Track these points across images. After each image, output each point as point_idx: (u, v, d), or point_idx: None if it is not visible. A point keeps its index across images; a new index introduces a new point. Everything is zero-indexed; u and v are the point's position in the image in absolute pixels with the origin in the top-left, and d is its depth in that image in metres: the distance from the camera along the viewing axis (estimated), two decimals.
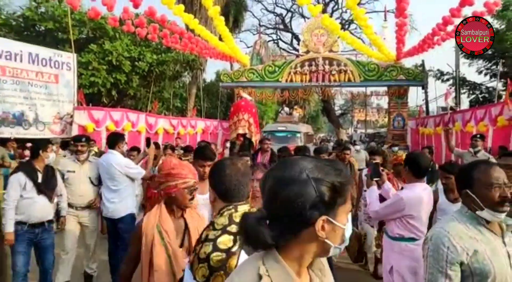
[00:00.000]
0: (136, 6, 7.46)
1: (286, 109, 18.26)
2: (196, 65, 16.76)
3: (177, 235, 2.21)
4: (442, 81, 20.12)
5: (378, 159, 5.12)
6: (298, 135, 14.06)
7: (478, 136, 7.19)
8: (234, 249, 1.49)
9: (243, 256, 1.44)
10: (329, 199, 1.00)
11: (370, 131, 35.60)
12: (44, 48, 11.62)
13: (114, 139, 5.33)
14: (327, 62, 19.18)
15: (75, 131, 11.43)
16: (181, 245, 2.23)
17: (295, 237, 1.03)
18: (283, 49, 30.89)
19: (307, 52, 19.40)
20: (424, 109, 19.22)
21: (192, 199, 2.26)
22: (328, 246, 1.04)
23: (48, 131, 11.52)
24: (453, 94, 16.74)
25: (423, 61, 17.35)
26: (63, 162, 5.28)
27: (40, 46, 11.66)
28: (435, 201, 3.77)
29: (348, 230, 1.07)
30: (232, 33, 27.58)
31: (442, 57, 21.33)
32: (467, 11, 7.30)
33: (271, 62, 19.98)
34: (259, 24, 29.36)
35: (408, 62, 18.78)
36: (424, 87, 18.10)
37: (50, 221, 4.49)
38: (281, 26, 30.87)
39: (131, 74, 13.62)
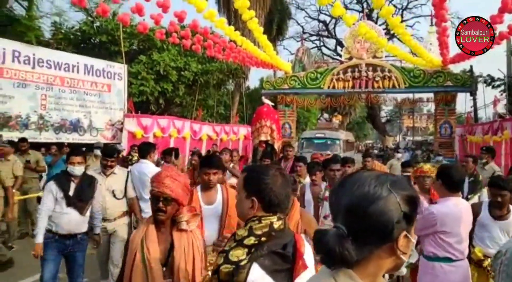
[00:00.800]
0: (181, 20, 7.93)
1: (326, 115, 18.10)
2: (239, 73, 17.24)
3: (161, 252, 2.07)
4: (493, 87, 19.24)
5: (410, 172, 4.78)
6: (337, 142, 13.90)
7: (484, 148, 7.31)
8: (243, 263, 1.42)
9: (255, 270, 1.41)
10: (410, 213, 1.00)
11: (418, 138, 34.50)
12: (98, 59, 12.53)
13: (146, 149, 5.27)
14: (370, 68, 18.96)
15: (125, 137, 12.20)
16: (165, 264, 2.09)
17: (372, 254, 1.01)
18: (327, 56, 30.84)
19: (350, 58, 19.32)
20: (473, 116, 18.46)
21: (158, 210, 2.07)
22: (402, 261, 1.02)
23: (100, 137, 12.36)
24: (504, 101, 15.98)
25: (471, 66, 16.73)
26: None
27: (95, 58, 12.60)
28: (476, 215, 3.45)
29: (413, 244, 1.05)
30: (276, 40, 27.97)
31: (493, 62, 20.39)
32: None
33: (313, 69, 20.09)
34: (303, 31, 29.52)
35: (456, 68, 18.09)
36: (472, 93, 17.40)
37: (84, 233, 4.23)
38: (325, 33, 30.84)
39: (177, 83, 14.29)
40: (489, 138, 12.43)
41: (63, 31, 13.54)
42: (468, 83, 16.80)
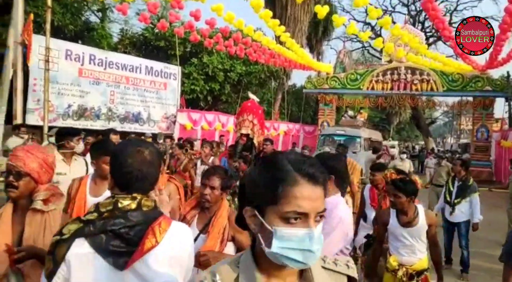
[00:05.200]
0: (224, 34, 9.62)
1: (350, 112, 18.63)
2: (280, 74, 18.73)
3: (14, 234, 1.86)
4: None
5: (377, 176, 4.13)
6: (358, 140, 13.61)
7: None
8: (65, 236, 1.32)
9: (79, 246, 1.31)
10: None
11: (464, 141, 34.05)
12: (157, 62, 14.64)
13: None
14: (409, 71, 19.66)
15: (177, 129, 14.24)
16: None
17: None
18: (374, 56, 31.27)
19: (390, 61, 20.09)
20: (507, 121, 18.62)
21: (8, 185, 1.86)
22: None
23: (157, 128, 14.49)
24: None
25: (508, 72, 16.96)
26: None
27: (154, 60, 14.71)
28: (386, 222, 3.26)
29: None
30: (322, 40, 28.95)
31: None
32: None
33: (353, 70, 21.09)
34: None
35: (495, 73, 18.19)
36: (508, 98, 17.60)
37: None
38: (372, 34, 31.20)
39: (224, 83, 16.12)
40: None
41: (128, 36, 15.81)
42: (507, 88, 17.01)
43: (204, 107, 16.27)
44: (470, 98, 19.14)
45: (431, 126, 39.11)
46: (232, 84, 16.57)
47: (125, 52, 14.87)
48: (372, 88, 20.15)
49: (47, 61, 9.85)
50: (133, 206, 1.36)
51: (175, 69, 14.77)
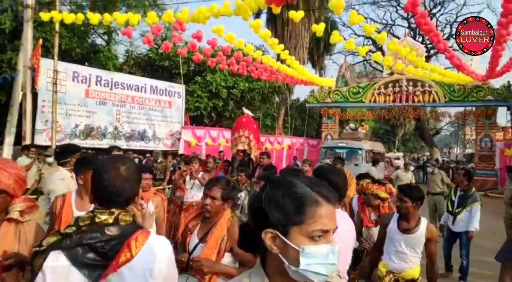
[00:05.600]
0: (226, 53, 9.93)
1: (352, 125, 18.69)
2: (282, 89, 19.05)
3: None
4: None
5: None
6: (360, 152, 13.76)
7: None
8: (42, 248, 1.38)
9: (54, 258, 1.36)
10: None
11: (469, 150, 34.01)
12: (161, 81, 15.01)
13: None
14: (411, 83, 19.91)
15: (182, 146, 14.50)
16: None
17: None
18: (376, 69, 31.55)
19: (391, 73, 20.35)
20: (510, 130, 18.68)
21: None
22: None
23: (162, 145, 14.76)
24: None
25: (508, 82, 17.12)
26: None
27: (159, 79, 15.08)
28: (385, 225, 3.31)
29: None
30: (324, 55, 29.32)
31: None
32: None
33: (355, 84, 21.38)
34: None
35: (497, 82, 18.36)
36: (510, 107, 17.72)
37: None
38: (372, 48, 31.57)
39: (227, 99, 16.43)
40: None
41: (133, 57, 16.26)
42: (509, 97, 17.14)
43: (208, 123, 16.55)
44: (473, 108, 19.24)
45: (435, 136, 39.08)
46: (235, 101, 16.88)
47: (130, 73, 15.26)
48: (374, 101, 20.41)
49: (55, 83, 10.21)
50: (110, 220, 1.42)
51: (180, 88, 15.12)
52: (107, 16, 7.71)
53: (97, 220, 1.42)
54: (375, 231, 3.97)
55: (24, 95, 10.19)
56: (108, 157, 2.04)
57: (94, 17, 7.85)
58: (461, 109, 20.88)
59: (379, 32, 12.47)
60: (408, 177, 9.24)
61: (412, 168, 10.49)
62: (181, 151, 13.66)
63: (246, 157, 7.09)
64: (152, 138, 14.73)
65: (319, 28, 8.66)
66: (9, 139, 10.18)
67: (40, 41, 9.96)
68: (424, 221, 3.16)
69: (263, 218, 1.02)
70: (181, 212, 5.90)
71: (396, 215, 3.23)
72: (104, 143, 12.93)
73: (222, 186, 2.48)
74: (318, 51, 28.05)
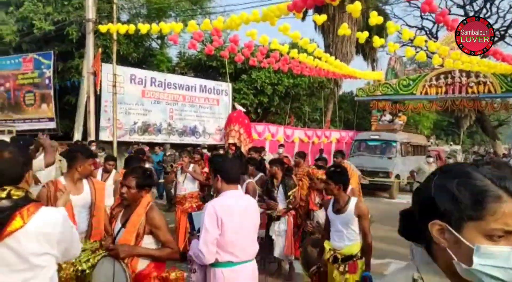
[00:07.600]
0: (262, 54, 10.65)
1: (388, 116, 18.17)
2: (326, 84, 19.37)
3: None
4: None
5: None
6: (394, 144, 13.15)
7: None
8: None
9: None
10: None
11: None
12: (210, 80, 16.06)
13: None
14: (464, 74, 19.26)
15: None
16: None
17: None
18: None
19: (442, 65, 19.76)
20: None
21: None
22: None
23: (211, 139, 15.82)
24: None
25: None
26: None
27: (207, 79, 16.14)
28: (326, 209, 3.72)
29: None
30: (376, 47, 28.83)
31: None
32: None
33: (405, 76, 21.03)
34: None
35: None
36: None
37: None
38: (427, 38, 30.49)
39: (272, 95, 17.13)
40: None
41: (185, 58, 17.52)
42: None
43: (255, 119, 17.35)
44: None
45: (497, 128, 36.77)
46: (280, 96, 17.52)
47: (182, 73, 16.48)
48: (426, 93, 19.98)
49: (114, 85, 11.57)
50: (3, 195, 1.64)
51: (227, 86, 16.08)
52: (154, 26, 8.72)
53: None
54: (319, 214, 4.47)
55: (88, 98, 11.69)
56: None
57: (144, 28, 8.89)
58: None
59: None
60: (431, 170, 9.21)
61: (431, 160, 10.52)
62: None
63: (238, 151, 7.38)
64: (203, 133, 15.84)
65: (362, 36, 9.06)
66: (78, 135, 11.77)
67: (100, 49, 11.35)
68: (353, 200, 3.44)
69: (430, 208, 0.95)
70: (176, 205, 6.17)
71: (333, 199, 3.54)
72: (159, 139, 14.26)
73: (137, 175, 2.67)
74: (369, 43, 27.70)
